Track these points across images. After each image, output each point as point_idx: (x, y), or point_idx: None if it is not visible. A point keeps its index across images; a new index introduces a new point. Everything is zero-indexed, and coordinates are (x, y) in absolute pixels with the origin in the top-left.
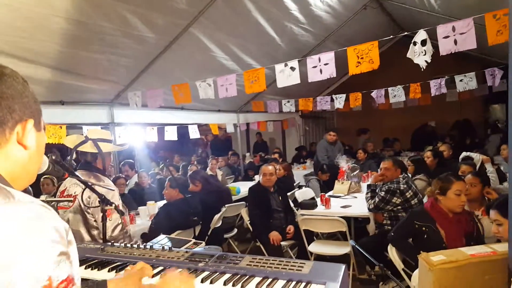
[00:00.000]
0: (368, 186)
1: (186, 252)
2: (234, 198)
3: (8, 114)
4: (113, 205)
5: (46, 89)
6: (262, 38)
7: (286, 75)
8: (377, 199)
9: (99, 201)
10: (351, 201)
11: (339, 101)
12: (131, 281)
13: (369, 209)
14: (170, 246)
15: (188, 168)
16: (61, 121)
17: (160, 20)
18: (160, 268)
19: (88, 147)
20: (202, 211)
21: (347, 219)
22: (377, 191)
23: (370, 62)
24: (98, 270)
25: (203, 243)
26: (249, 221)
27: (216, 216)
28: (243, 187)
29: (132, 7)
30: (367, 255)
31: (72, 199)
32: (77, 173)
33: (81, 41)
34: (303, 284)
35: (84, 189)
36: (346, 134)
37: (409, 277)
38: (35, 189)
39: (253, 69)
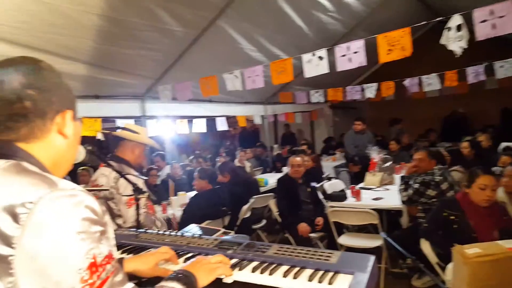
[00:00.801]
0: (402, 178)
1: (216, 240)
2: (262, 189)
3: (47, 106)
4: (146, 193)
5: (82, 84)
6: (289, 28)
7: (314, 65)
8: (410, 191)
9: (132, 190)
10: (383, 193)
11: (370, 91)
12: (146, 261)
13: (403, 202)
14: (200, 234)
15: (217, 159)
16: (96, 115)
17: (188, 14)
18: (190, 254)
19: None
20: (231, 202)
21: (379, 211)
22: (410, 183)
23: (402, 49)
24: (133, 255)
25: (232, 232)
26: (277, 212)
27: (245, 207)
28: (271, 179)
29: (160, 2)
30: (399, 248)
31: (108, 188)
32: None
33: (114, 37)
34: (331, 273)
35: (118, 179)
36: (378, 124)
37: (444, 270)
38: (73, 180)
39: (280, 59)
